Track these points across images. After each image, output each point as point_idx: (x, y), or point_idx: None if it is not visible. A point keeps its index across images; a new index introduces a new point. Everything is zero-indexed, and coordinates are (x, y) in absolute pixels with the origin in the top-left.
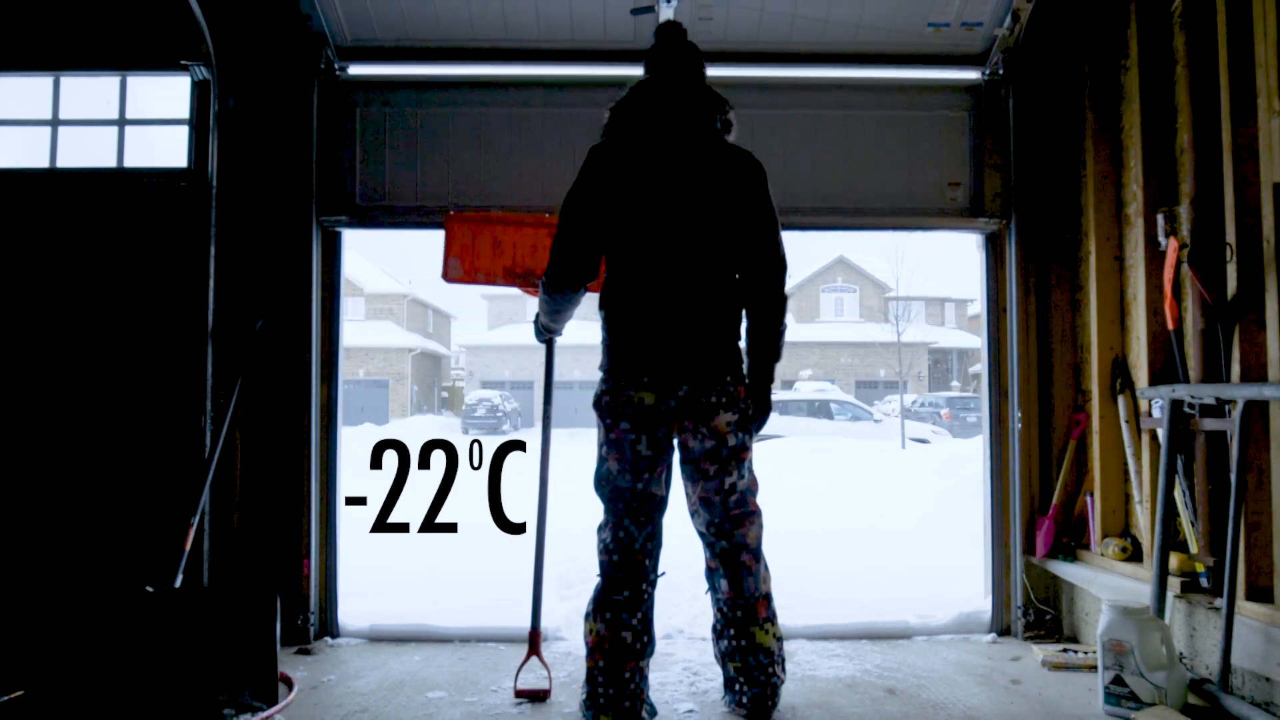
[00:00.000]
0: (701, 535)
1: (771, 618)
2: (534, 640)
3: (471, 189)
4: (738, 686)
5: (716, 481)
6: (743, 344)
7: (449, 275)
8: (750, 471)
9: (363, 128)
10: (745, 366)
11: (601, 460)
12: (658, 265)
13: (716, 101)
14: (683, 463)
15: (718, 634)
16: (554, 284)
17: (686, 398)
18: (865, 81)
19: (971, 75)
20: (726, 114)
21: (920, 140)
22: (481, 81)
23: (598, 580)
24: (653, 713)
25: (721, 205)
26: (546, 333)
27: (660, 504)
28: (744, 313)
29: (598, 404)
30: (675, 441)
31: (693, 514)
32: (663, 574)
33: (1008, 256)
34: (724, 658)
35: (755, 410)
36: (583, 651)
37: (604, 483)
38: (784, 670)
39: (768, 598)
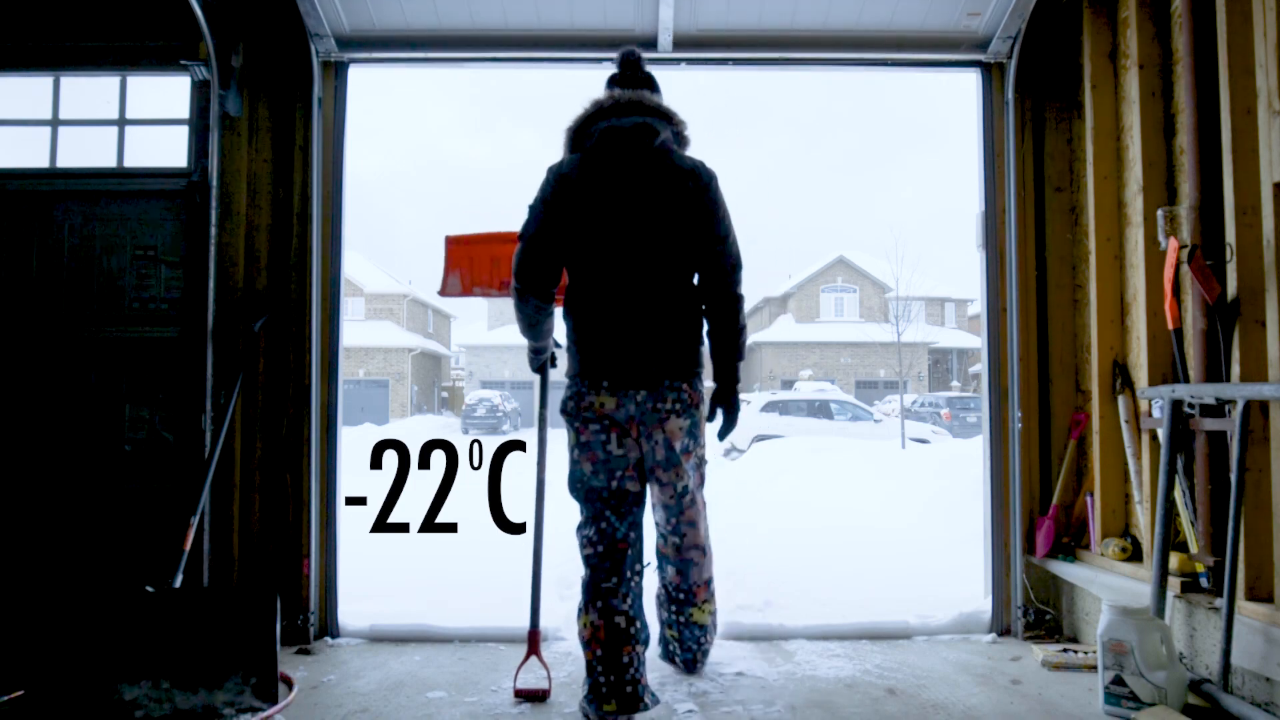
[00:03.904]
0: (657, 526)
1: (710, 597)
2: (533, 640)
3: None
4: (672, 648)
5: (670, 486)
6: (706, 347)
7: (447, 291)
8: (696, 470)
9: None
10: (711, 368)
11: (575, 463)
12: (612, 275)
13: (665, 119)
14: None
15: (661, 603)
16: (517, 291)
17: (643, 403)
18: None
19: None
20: (679, 129)
21: None
22: None
23: (584, 575)
24: (655, 701)
25: (670, 215)
26: (537, 357)
27: (637, 499)
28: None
29: (564, 409)
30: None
31: (653, 507)
32: (649, 564)
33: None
34: (664, 625)
35: (724, 411)
36: (582, 651)
37: (578, 484)
38: (715, 634)
39: (708, 582)
